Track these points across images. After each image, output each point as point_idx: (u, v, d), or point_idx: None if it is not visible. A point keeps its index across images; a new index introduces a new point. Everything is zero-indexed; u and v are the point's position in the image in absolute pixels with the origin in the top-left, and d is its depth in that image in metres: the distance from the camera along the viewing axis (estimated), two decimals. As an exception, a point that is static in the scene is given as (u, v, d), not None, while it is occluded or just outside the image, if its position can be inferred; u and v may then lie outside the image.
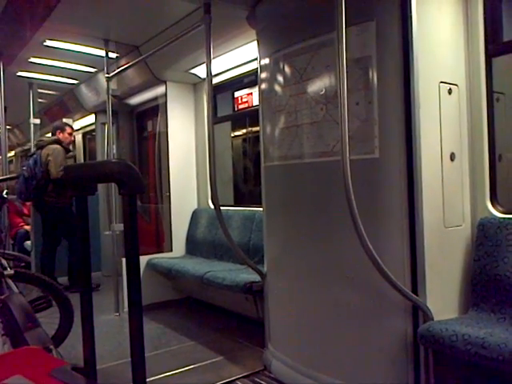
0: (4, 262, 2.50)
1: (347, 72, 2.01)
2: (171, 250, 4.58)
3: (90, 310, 1.08)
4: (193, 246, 4.52)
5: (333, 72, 2.26)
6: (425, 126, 2.13)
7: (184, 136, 4.75)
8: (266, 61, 2.78)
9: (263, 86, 2.84)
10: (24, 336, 1.80)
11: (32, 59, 4.96)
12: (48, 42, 4.42)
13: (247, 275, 3.20)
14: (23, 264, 4.71)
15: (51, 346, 1.79)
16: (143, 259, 4.32)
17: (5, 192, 4.09)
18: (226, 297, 3.84)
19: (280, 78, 2.66)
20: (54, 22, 3.91)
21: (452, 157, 2.25)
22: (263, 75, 2.84)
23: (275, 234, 2.78)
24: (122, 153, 5.86)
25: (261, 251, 3.29)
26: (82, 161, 8.12)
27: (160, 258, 4.34)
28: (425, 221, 2.11)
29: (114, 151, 4.52)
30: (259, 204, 3.34)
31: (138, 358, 0.90)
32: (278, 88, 2.68)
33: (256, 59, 3.01)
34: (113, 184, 4.46)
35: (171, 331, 3.59)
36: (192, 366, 2.85)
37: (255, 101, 4.28)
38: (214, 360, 2.98)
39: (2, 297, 2.23)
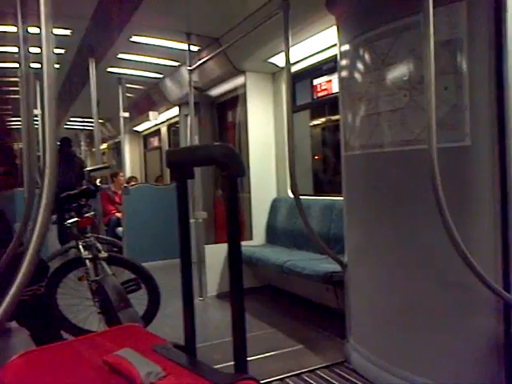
0: (99, 246, 2.68)
1: (434, 56, 1.90)
2: (251, 239, 4.66)
3: (191, 289, 1.18)
4: (272, 234, 4.57)
5: (418, 56, 2.14)
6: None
7: (263, 126, 4.78)
8: (346, 47, 2.70)
9: (343, 73, 2.77)
10: (118, 315, 1.95)
11: (120, 55, 5.24)
12: (134, 38, 4.64)
13: (327, 265, 3.17)
14: (115, 249, 5.05)
15: (142, 326, 1.91)
16: (223, 246, 4.43)
17: (98, 181, 4.41)
18: (305, 286, 3.85)
19: (360, 65, 2.58)
20: (139, 18, 4.10)
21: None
22: (343, 62, 2.77)
23: (356, 224, 2.73)
24: (204, 143, 6.02)
25: (341, 241, 3.24)
26: (167, 152, 8.48)
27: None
28: (520, 213, 1.95)
29: (196, 142, 4.65)
30: (339, 193, 3.28)
31: (240, 341, 0.93)
32: (357, 75, 2.60)
33: (335, 45, 2.95)
34: (197, 171, 4.61)
35: (252, 318, 3.66)
36: (273, 353, 2.89)
37: (334, 88, 4.20)
38: (294, 348, 3.00)
39: (98, 278, 2.43)
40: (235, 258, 0.94)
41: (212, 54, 4.30)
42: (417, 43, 2.10)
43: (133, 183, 7.20)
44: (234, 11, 4.02)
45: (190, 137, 6.12)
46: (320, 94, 4.43)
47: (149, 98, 7.43)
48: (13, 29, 3.92)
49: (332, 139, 4.97)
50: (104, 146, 12.27)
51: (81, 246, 2.59)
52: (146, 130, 9.83)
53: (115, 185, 7.10)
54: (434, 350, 2.20)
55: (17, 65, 3.98)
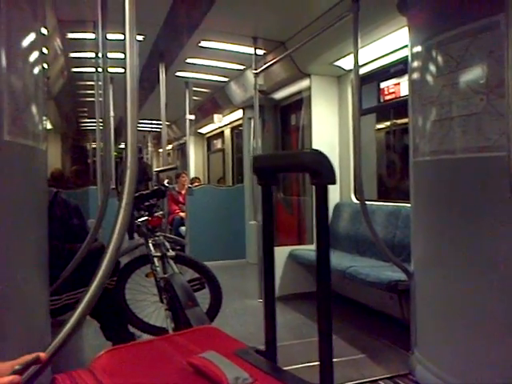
0: (168, 244, 2.77)
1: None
2: (312, 243, 4.63)
3: (273, 294, 1.10)
4: (334, 239, 4.51)
5: (497, 58, 2.04)
6: None
7: (327, 129, 4.74)
8: (418, 49, 2.62)
9: (414, 75, 2.69)
10: (185, 313, 2.00)
11: (188, 60, 5.41)
12: (202, 43, 4.77)
13: (392, 273, 3.09)
14: (178, 247, 5.20)
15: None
16: (285, 250, 4.45)
17: (166, 181, 4.57)
18: (368, 293, 3.76)
19: (432, 67, 2.49)
20: (208, 23, 4.21)
21: None
22: (414, 64, 2.68)
23: (425, 232, 2.63)
24: (267, 146, 6.06)
25: (406, 249, 3.14)
26: (230, 154, 8.62)
27: (301, 249, 4.42)
28: None
29: (259, 145, 4.69)
30: (405, 199, 3.20)
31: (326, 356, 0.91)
32: (429, 78, 2.51)
33: (404, 47, 2.86)
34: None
35: (312, 323, 3.63)
36: (333, 360, 2.85)
37: (402, 91, 4.08)
38: (355, 357, 2.95)
39: (166, 276, 2.51)
40: (324, 267, 0.92)
41: (278, 58, 4.32)
42: (496, 45, 1.99)
43: (196, 184, 7.38)
44: (300, 14, 4.03)
45: (252, 140, 6.19)
46: (387, 98, 4.33)
47: (213, 100, 7.59)
48: (90, 35, 4.16)
49: (398, 144, 4.84)
50: (169, 147, 12.67)
51: (150, 244, 2.69)
52: (210, 132, 10.04)
53: (179, 185, 7.31)
54: (509, 367, 2.08)
55: (92, 69, 4.23)
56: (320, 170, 0.86)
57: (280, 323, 3.82)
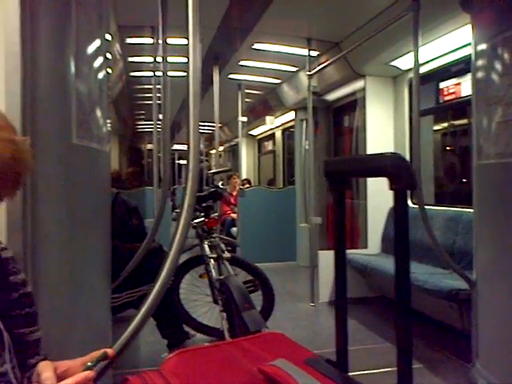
0: (223, 246, 2.80)
1: None
2: (366, 247, 4.53)
3: (345, 298, 1.06)
4: (389, 244, 4.39)
5: None
6: None
7: (382, 131, 4.63)
8: (483, 47, 2.51)
9: (478, 75, 2.57)
10: (241, 315, 2.00)
11: (241, 62, 5.45)
12: (256, 45, 4.79)
13: (451, 281, 2.96)
14: (230, 248, 5.24)
15: (265, 330, 1.95)
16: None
17: (220, 183, 4.62)
18: (425, 301, 3.62)
19: (498, 66, 2.37)
20: (262, 26, 4.23)
21: None
22: (478, 63, 2.57)
23: (490, 239, 2.50)
24: (319, 148, 6.01)
25: (467, 256, 3.01)
26: (281, 156, 8.61)
27: (355, 253, 4.33)
28: None
29: (312, 146, 4.65)
30: (465, 204, 3.06)
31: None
32: (495, 77, 2.39)
33: (466, 45, 2.74)
34: (310, 177, 4.62)
35: (366, 329, 3.55)
36: (389, 369, 2.77)
37: (464, 91, 3.92)
38: (413, 367, 2.84)
39: (222, 277, 2.53)
40: (403, 280, 0.87)
41: (333, 59, 4.27)
42: None
43: (247, 185, 7.43)
44: (355, 15, 3.97)
45: (305, 141, 6.15)
46: (447, 98, 4.17)
47: (265, 102, 7.61)
48: (148, 40, 4.28)
49: (458, 146, 4.66)
50: (220, 148, 12.83)
51: (206, 245, 2.73)
52: (261, 133, 10.07)
53: (231, 186, 7.38)
54: None
55: (150, 73, 4.34)
56: (400, 174, 0.82)
57: (330, 327, 3.74)
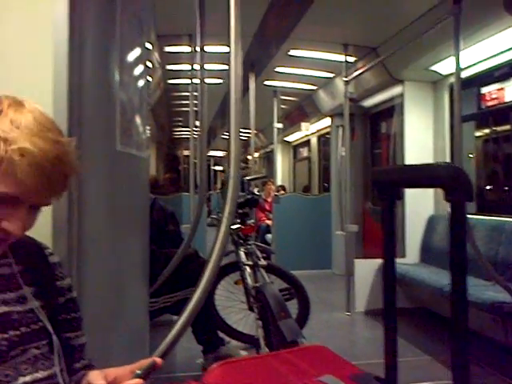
0: (259, 253, 2.78)
1: None
2: (404, 256, 4.42)
3: (394, 311, 1.02)
4: (428, 254, 4.27)
5: None
6: None
7: (421, 137, 4.52)
8: (529, 50, 2.42)
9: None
10: (278, 324, 1.97)
11: (277, 69, 5.45)
12: (292, 52, 4.79)
13: (494, 293, 2.85)
14: (264, 255, 5.22)
15: (302, 340, 1.92)
16: (374, 262, 4.29)
17: (256, 190, 4.62)
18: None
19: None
20: (299, 32, 4.22)
21: None
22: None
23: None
24: (355, 154, 5.93)
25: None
26: (317, 163, 8.54)
27: (392, 262, 4.24)
28: None
29: (347, 153, 4.59)
30: (509, 213, 2.94)
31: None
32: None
33: (510, 49, 2.65)
34: (346, 184, 4.56)
35: (404, 341, 3.45)
36: (429, 383, 2.69)
37: (507, 97, 3.80)
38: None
39: (258, 285, 2.51)
40: (461, 290, 0.83)
41: (370, 65, 4.22)
42: None
43: (282, 192, 7.41)
44: (393, 20, 3.91)
45: (341, 148, 6.09)
46: (489, 104, 4.04)
47: (301, 109, 7.59)
48: (185, 48, 4.34)
49: (500, 152, 4.50)
50: (255, 155, 12.88)
51: (242, 252, 2.72)
52: (296, 140, 10.05)
53: (265, 193, 7.37)
54: None
55: (187, 80, 4.40)
56: (457, 185, 0.78)
57: (368, 338, 3.68)
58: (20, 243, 0.89)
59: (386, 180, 1.01)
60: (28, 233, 0.93)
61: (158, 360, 0.81)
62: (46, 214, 1.22)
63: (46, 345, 0.84)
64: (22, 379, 0.77)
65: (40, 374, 0.80)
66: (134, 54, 1.82)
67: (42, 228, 1.16)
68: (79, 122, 1.37)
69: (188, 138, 4.68)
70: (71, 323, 0.93)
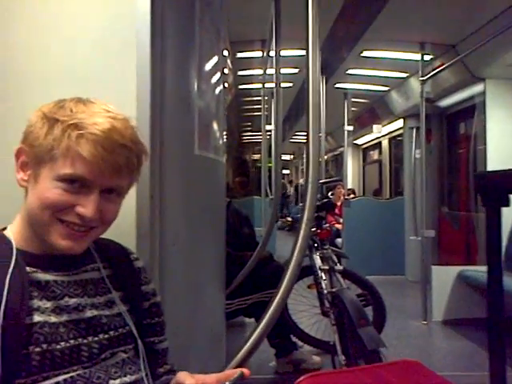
0: (335, 258, 2.74)
1: None
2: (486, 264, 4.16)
3: (499, 328, 0.94)
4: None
5: None
6: None
7: (505, 138, 4.25)
8: None
9: None
10: (357, 332, 1.91)
11: (349, 71, 5.36)
12: (364, 53, 4.69)
13: None
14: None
15: (383, 349, 1.85)
16: (453, 270, 4.09)
17: (330, 193, 4.56)
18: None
19: None
20: (372, 33, 4.12)
21: None
22: None
23: None
24: (430, 157, 5.69)
25: None
26: (388, 165, 8.30)
27: (473, 270, 4.01)
28: None
29: (422, 155, 4.41)
30: None
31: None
32: None
33: None
34: (422, 187, 4.38)
35: (486, 353, 3.25)
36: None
37: None
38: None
39: (335, 289, 2.46)
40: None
41: (449, 62, 4.03)
42: None
43: (352, 196, 7.26)
44: (474, 15, 3.71)
45: (417, 150, 5.87)
46: None
47: (372, 111, 7.41)
48: (256, 54, 4.40)
49: None
50: (324, 158, 12.75)
51: (317, 256, 2.69)
52: (366, 143, 9.82)
53: (335, 196, 7.26)
54: None
55: (257, 85, 4.46)
56: None
57: (446, 350, 3.48)
58: (107, 248, 0.93)
59: (492, 185, 0.94)
60: (114, 238, 0.97)
61: (246, 371, 0.80)
62: (130, 220, 1.27)
63: (132, 349, 0.86)
64: (111, 382, 0.79)
65: (128, 379, 0.82)
66: (211, 62, 1.86)
67: (127, 233, 1.21)
68: (160, 128, 1.42)
69: (256, 142, 4.73)
70: (155, 328, 0.94)
